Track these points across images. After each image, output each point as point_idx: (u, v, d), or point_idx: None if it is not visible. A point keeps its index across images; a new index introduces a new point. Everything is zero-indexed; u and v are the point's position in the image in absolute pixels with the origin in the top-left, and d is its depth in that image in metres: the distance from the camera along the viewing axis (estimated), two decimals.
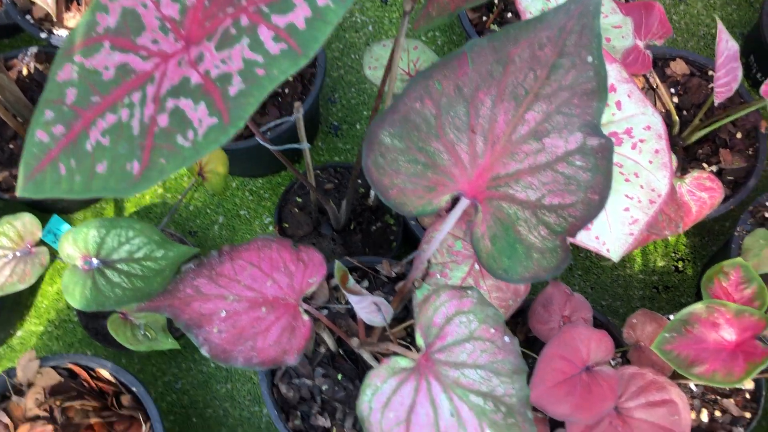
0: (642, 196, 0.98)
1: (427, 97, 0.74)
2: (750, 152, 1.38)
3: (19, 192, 0.73)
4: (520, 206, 0.74)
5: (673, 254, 1.54)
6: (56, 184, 0.71)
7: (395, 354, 0.83)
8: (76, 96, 0.72)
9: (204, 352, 0.95)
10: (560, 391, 1.03)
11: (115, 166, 0.69)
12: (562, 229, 0.73)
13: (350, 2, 0.64)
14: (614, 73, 1.00)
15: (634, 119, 0.98)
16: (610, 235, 0.98)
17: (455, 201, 0.78)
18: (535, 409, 1.22)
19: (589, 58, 0.76)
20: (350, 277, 0.85)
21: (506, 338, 0.83)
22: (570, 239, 1.00)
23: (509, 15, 1.53)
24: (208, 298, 0.98)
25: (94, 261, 1.00)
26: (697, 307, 1.06)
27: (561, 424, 1.23)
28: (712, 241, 1.55)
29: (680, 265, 1.54)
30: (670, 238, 1.55)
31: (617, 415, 1.08)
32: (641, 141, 0.98)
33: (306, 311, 0.98)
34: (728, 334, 1.05)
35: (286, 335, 0.97)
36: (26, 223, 1.07)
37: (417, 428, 0.80)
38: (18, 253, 1.07)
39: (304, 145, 0.96)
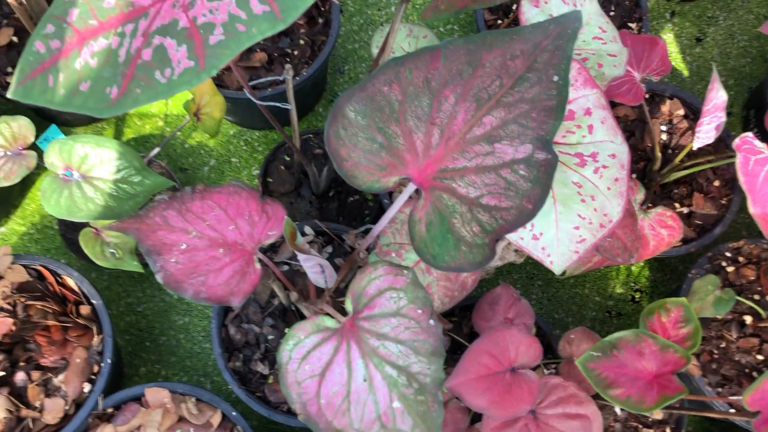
0: (594, 219, 1.03)
1: (396, 82, 0.79)
2: (723, 201, 1.42)
3: (10, 94, 0.79)
4: (459, 200, 0.79)
5: (633, 284, 1.59)
6: (42, 93, 0.77)
7: (324, 313, 0.89)
8: (77, 16, 0.78)
9: (159, 278, 1.01)
10: (481, 384, 1.09)
11: (97, 87, 0.74)
12: (492, 230, 0.78)
13: None
14: (593, 98, 1.04)
15: (602, 145, 1.03)
16: (557, 248, 1.03)
17: (405, 185, 0.83)
18: (459, 398, 1.28)
19: (555, 78, 0.80)
20: (299, 235, 0.91)
21: (431, 321, 0.88)
22: (520, 246, 1.05)
23: None
24: (172, 229, 1.04)
25: (75, 174, 1.06)
26: (628, 334, 1.11)
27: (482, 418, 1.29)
28: (673, 280, 1.59)
29: (637, 295, 1.58)
30: (633, 268, 1.60)
31: (533, 419, 1.14)
32: (604, 167, 1.03)
33: (260, 260, 1.04)
34: (650, 365, 1.10)
35: (237, 278, 1.02)
36: (22, 126, 1.14)
37: (329, 384, 0.86)
38: (9, 153, 1.13)
39: (288, 105, 1.02)
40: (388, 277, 0.88)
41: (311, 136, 1.51)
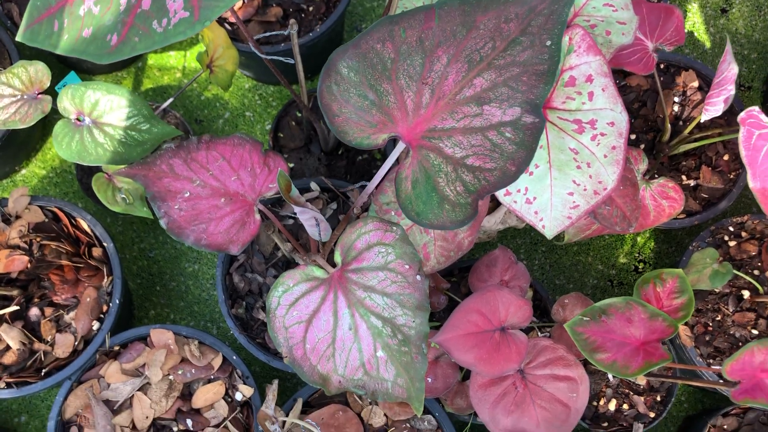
0: (588, 185, 1.04)
1: (390, 40, 0.81)
2: (731, 176, 1.41)
3: (18, 37, 0.82)
4: (445, 160, 0.81)
5: (637, 254, 1.60)
6: (47, 37, 0.80)
7: (315, 264, 0.93)
8: None
9: (162, 223, 1.05)
10: (469, 341, 1.12)
11: (98, 34, 0.77)
12: (475, 190, 0.80)
13: None
14: (596, 65, 1.04)
15: (602, 113, 1.03)
16: (550, 213, 1.05)
17: (394, 142, 0.85)
18: (448, 354, 1.32)
19: (548, 42, 0.81)
20: (294, 187, 0.94)
21: (418, 277, 0.91)
22: (513, 209, 1.07)
23: None
24: (177, 177, 1.08)
25: (87, 119, 1.10)
26: (618, 301, 1.13)
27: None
28: (677, 252, 1.60)
29: (640, 266, 1.59)
30: (638, 238, 1.60)
31: (521, 378, 1.17)
32: (602, 134, 1.03)
33: (260, 211, 1.07)
34: (638, 332, 1.12)
35: (236, 227, 1.06)
36: (38, 70, 1.17)
37: (315, 331, 0.90)
38: (26, 97, 1.17)
39: (291, 60, 1.04)
40: (377, 232, 0.90)
41: None
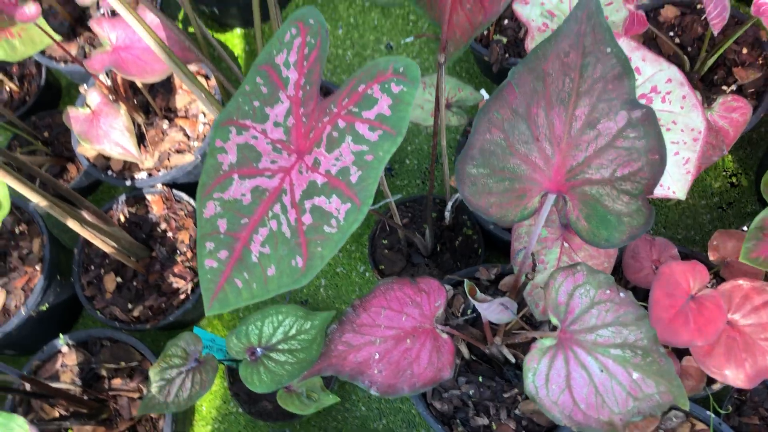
0: (686, 138, 1.12)
1: (493, 126, 0.90)
2: (760, 62, 1.50)
3: (208, 312, 0.91)
4: (599, 185, 0.89)
5: (725, 173, 1.67)
6: (237, 297, 0.89)
7: (539, 338, 0.99)
8: (227, 224, 0.90)
9: (373, 392, 1.11)
10: (676, 323, 1.17)
11: (282, 266, 0.85)
12: (639, 192, 0.88)
13: (418, 83, 0.80)
14: (625, 46, 1.14)
15: (655, 77, 1.13)
16: (671, 179, 1.13)
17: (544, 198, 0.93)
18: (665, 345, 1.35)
19: (608, 50, 0.91)
20: (477, 289, 1.01)
21: (621, 294, 0.97)
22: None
23: (506, 22, 1.69)
24: (359, 347, 1.15)
25: (258, 350, 1.17)
26: (764, 213, 1.19)
27: (686, 352, 1.37)
28: (755, 150, 1.67)
29: (734, 180, 1.66)
30: (717, 160, 1.68)
31: (731, 328, 1.21)
32: (668, 93, 1.12)
33: (443, 330, 1.13)
34: None
35: (435, 355, 1.12)
36: (188, 340, 1.26)
37: (578, 389, 0.95)
38: (191, 366, 1.25)
39: (390, 199, 1.13)
40: (568, 280, 0.97)
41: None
